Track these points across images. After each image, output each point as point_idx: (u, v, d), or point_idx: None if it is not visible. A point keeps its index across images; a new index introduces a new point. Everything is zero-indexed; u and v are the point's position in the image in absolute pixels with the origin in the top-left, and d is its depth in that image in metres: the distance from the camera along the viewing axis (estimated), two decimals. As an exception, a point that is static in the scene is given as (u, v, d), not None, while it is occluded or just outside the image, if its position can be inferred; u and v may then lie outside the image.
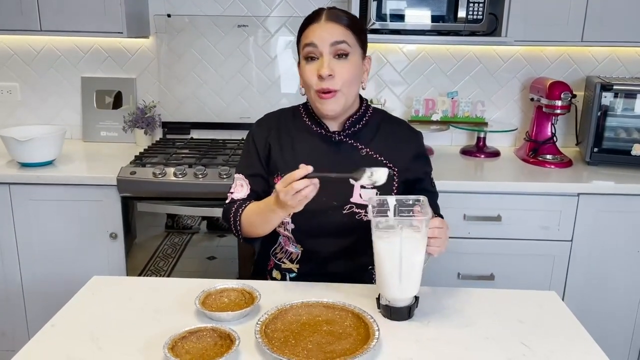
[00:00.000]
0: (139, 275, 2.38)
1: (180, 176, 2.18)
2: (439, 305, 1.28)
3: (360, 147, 1.48)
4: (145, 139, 2.66)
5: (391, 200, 1.24)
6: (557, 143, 2.48)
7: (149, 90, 2.74)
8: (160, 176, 2.21)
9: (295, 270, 1.50)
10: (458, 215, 2.20)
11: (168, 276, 2.35)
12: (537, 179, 2.23)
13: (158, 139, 2.73)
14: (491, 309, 1.28)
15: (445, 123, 2.58)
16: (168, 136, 2.75)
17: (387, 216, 1.23)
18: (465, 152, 2.60)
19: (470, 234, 2.22)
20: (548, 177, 2.27)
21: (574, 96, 2.37)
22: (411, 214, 1.23)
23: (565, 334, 1.19)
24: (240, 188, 1.51)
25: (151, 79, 2.72)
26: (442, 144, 2.73)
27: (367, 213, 1.37)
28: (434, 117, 2.59)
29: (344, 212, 1.43)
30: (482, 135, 2.57)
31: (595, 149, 2.36)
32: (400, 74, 2.68)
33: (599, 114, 2.33)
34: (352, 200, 1.43)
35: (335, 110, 1.41)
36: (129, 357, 1.09)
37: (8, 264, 2.32)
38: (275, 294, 1.33)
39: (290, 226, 1.46)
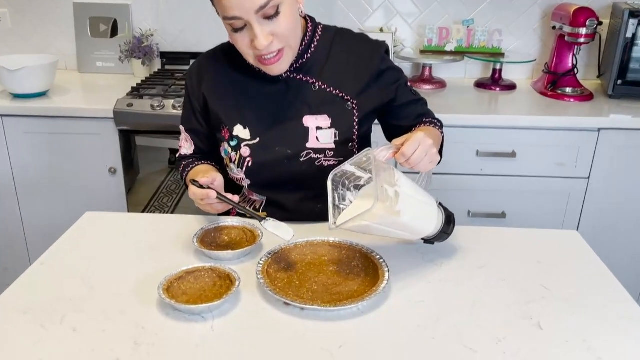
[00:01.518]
0: (142, 212, 2.32)
1: (179, 109, 2.08)
2: (452, 245, 1.20)
3: (311, 81, 1.27)
4: (143, 70, 2.53)
5: (348, 167, 1.07)
6: (577, 75, 2.34)
7: (146, 18, 2.58)
8: (158, 109, 2.10)
9: (265, 217, 1.37)
10: (471, 151, 2.10)
11: (172, 213, 2.29)
12: (555, 113, 2.11)
13: (156, 70, 2.60)
14: (507, 249, 1.21)
15: (460, 54, 2.43)
16: (167, 67, 2.62)
17: (359, 184, 1.09)
18: (480, 84, 2.46)
19: (482, 171, 2.13)
20: (567, 111, 2.15)
21: (600, 23, 2.21)
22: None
23: (588, 276, 1.11)
24: (185, 143, 1.39)
25: (148, 5, 2.57)
26: (456, 76, 2.60)
27: (327, 158, 1.27)
28: (448, 47, 2.44)
29: (302, 159, 1.27)
30: (498, 66, 2.43)
31: (619, 82, 2.23)
32: (413, 0, 2.51)
33: (625, 43, 2.18)
34: (308, 145, 1.27)
35: (284, 69, 1.20)
36: (121, 297, 1.03)
37: (6, 198, 2.26)
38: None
39: (246, 182, 1.32)
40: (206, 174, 1.21)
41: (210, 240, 1.21)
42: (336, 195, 1.07)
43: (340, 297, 1.02)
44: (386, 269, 1.07)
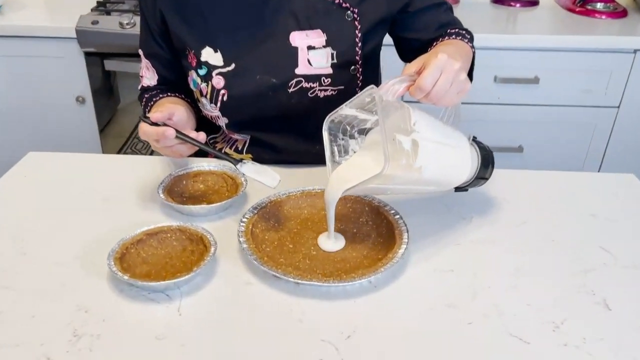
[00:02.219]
0: (122, 147, 2.07)
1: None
2: (483, 194, 0.96)
3: None
4: (110, -19, 2.19)
5: (348, 111, 0.79)
6: (609, -12, 2.04)
7: None
8: (128, 27, 1.83)
9: (250, 159, 1.09)
10: (487, 77, 1.83)
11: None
12: (584, 32, 1.83)
13: (126, -19, 2.26)
14: (552, 200, 0.97)
15: (475, -38, 2.11)
16: (137, -22, 2.27)
17: (365, 127, 0.83)
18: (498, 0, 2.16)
19: (500, 100, 1.87)
20: (597, 29, 1.86)
21: None
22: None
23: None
24: (147, 72, 1.10)
25: None
26: (468, -10, 2.28)
27: (323, 86, 1.00)
28: (461, -45, 2.11)
29: (290, 90, 1.01)
30: (518, -22, 2.11)
31: (658, -5, 1.93)
32: None
33: (669, -51, 1.87)
34: (298, 72, 0.99)
35: None
36: (60, 268, 0.79)
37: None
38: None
39: (223, 121, 1.06)
40: (164, 107, 0.94)
41: (180, 190, 0.96)
42: (335, 147, 0.82)
43: (346, 267, 0.79)
44: (404, 228, 0.84)
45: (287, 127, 1.05)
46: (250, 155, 1.08)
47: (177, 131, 0.88)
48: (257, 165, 0.90)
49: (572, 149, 1.96)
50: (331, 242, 0.83)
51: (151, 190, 0.96)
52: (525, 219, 0.91)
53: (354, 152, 0.82)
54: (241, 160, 0.90)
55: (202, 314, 0.72)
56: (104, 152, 2.04)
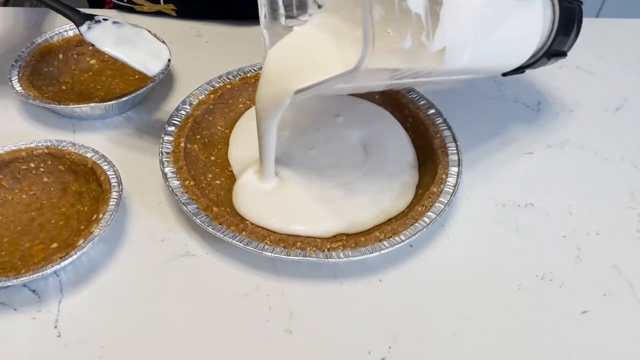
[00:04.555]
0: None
1: None
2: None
3: None
4: None
5: None
6: None
7: None
8: None
9: (173, 11, 0.67)
10: None
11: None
12: None
13: None
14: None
15: None
16: None
17: None
18: None
19: None
20: None
21: None
22: None
23: None
24: None
25: None
26: None
27: None
28: None
29: None
30: None
31: None
32: None
33: None
34: None
35: None
36: None
37: None
38: (210, 48, 0.63)
39: None
40: None
41: (52, 73, 0.56)
42: None
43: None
44: (448, 135, 0.50)
45: None
46: (173, 6, 0.66)
47: None
48: (124, 27, 0.49)
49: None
50: (269, 182, 0.47)
51: (2, 74, 0.56)
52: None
53: (315, 5, 0.44)
54: (96, 16, 0.49)
55: (100, 327, 0.38)
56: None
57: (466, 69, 0.41)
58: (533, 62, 0.49)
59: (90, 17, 0.48)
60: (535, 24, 0.46)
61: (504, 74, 0.49)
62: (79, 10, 0.49)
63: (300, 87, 0.38)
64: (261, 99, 0.42)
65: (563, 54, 0.49)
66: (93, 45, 0.47)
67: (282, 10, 0.44)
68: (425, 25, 0.34)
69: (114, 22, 0.49)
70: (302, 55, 0.41)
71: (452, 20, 0.36)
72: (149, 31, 0.52)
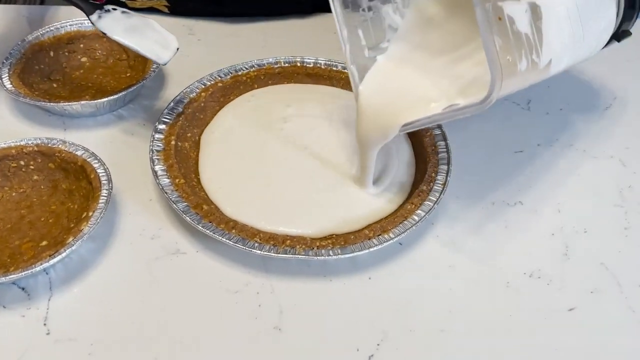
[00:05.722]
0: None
1: None
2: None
3: None
4: None
5: None
6: None
7: None
8: None
9: (166, 7, 0.67)
10: None
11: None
12: None
13: None
14: None
15: None
16: None
17: None
18: None
19: None
20: None
21: None
22: None
23: None
24: None
25: None
26: None
27: None
28: None
29: None
30: None
31: None
32: None
33: None
34: None
35: None
36: None
37: None
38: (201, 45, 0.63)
39: None
40: None
41: (43, 70, 0.56)
42: (358, 18, 0.45)
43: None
44: (440, 139, 0.50)
45: None
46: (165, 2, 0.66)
47: None
48: (133, 17, 0.49)
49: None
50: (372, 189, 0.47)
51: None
52: None
53: (392, 29, 0.45)
54: (106, 5, 0.49)
55: (90, 324, 0.38)
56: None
57: (561, 70, 0.42)
58: (604, 46, 0.49)
59: (100, 7, 0.48)
60: (611, 10, 0.46)
61: None
62: (89, 0, 0.49)
63: (408, 122, 0.40)
64: (364, 136, 0.44)
65: (629, 34, 0.49)
66: (104, 34, 0.47)
67: (363, 42, 0.45)
68: (533, 43, 0.35)
69: (123, 12, 0.49)
70: (398, 88, 0.43)
71: (554, 33, 0.37)
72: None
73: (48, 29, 0.57)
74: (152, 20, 0.49)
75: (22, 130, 0.51)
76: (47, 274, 0.41)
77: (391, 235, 0.42)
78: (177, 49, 0.48)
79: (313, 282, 0.42)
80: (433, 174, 0.46)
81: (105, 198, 0.42)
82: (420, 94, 0.40)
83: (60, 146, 0.46)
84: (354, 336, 0.39)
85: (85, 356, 0.37)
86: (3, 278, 0.37)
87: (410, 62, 0.42)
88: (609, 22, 0.45)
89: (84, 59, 0.58)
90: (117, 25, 0.48)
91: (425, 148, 0.49)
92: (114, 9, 0.48)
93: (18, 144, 0.46)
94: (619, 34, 0.47)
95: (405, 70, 0.42)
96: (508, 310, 0.41)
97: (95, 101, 0.50)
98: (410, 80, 0.42)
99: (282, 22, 0.66)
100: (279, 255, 0.40)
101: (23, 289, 0.40)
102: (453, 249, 0.44)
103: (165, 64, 0.48)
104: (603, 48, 0.48)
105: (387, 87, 0.43)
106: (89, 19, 0.48)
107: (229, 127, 0.51)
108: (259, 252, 0.40)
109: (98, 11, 0.48)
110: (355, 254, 0.40)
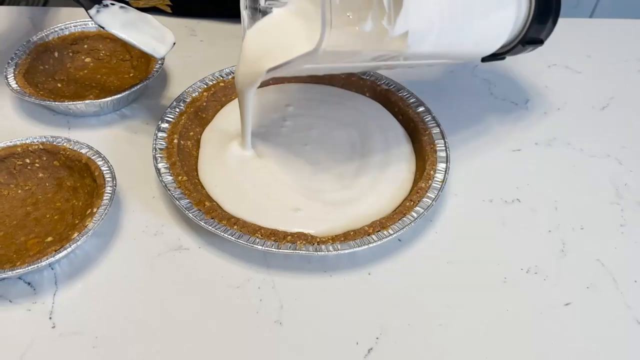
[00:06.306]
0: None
1: None
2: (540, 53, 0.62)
3: None
4: None
5: None
6: None
7: None
8: None
9: (168, 7, 0.67)
10: None
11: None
12: None
13: None
14: None
15: None
16: None
17: None
18: None
19: None
20: None
21: None
22: None
23: None
24: None
25: None
26: None
27: None
28: None
29: None
30: None
31: None
32: None
33: None
34: None
35: None
36: None
37: None
38: (207, 45, 0.63)
39: None
40: None
41: (47, 70, 0.57)
42: None
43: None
44: (435, 130, 0.51)
45: None
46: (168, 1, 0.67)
47: None
48: (131, 12, 0.50)
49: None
50: (248, 153, 0.49)
51: None
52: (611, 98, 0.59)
53: None
54: (104, 1, 0.49)
55: (94, 318, 0.39)
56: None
57: (433, 53, 0.42)
58: (510, 49, 0.50)
59: (99, 1, 0.49)
60: (507, 10, 0.46)
61: (482, 60, 0.50)
62: None
63: (271, 67, 0.40)
64: (239, 77, 0.45)
65: (540, 42, 0.50)
66: (102, 28, 0.48)
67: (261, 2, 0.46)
68: (387, 9, 0.35)
69: (121, 7, 0.49)
70: (276, 37, 0.44)
71: (415, 5, 0.37)
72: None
73: (53, 30, 0.58)
74: (149, 15, 0.50)
75: (28, 129, 0.52)
76: (52, 269, 0.42)
77: (390, 231, 0.42)
78: (174, 43, 0.49)
79: (313, 277, 0.42)
80: (432, 172, 0.47)
81: (109, 195, 0.43)
82: (294, 43, 0.41)
83: (64, 144, 0.47)
84: (354, 330, 0.39)
85: (90, 349, 0.38)
86: (9, 273, 0.38)
87: (300, 15, 0.43)
88: (506, 20, 0.46)
89: (87, 59, 0.59)
90: (114, 19, 0.49)
91: (424, 147, 0.49)
92: (112, 4, 0.49)
93: (24, 142, 0.47)
94: (526, 40, 0.48)
95: (292, 23, 0.43)
96: (505, 305, 0.41)
97: (99, 100, 0.51)
98: (292, 31, 0.42)
99: (283, 23, 0.67)
100: (280, 250, 0.41)
101: (29, 283, 0.41)
102: (451, 246, 0.45)
103: (162, 58, 0.49)
104: (510, 52, 0.49)
105: (271, 35, 0.44)
106: (88, 14, 0.48)
107: (229, 126, 0.52)
108: (260, 247, 0.41)
109: (96, 6, 0.49)
110: (355, 249, 0.41)
